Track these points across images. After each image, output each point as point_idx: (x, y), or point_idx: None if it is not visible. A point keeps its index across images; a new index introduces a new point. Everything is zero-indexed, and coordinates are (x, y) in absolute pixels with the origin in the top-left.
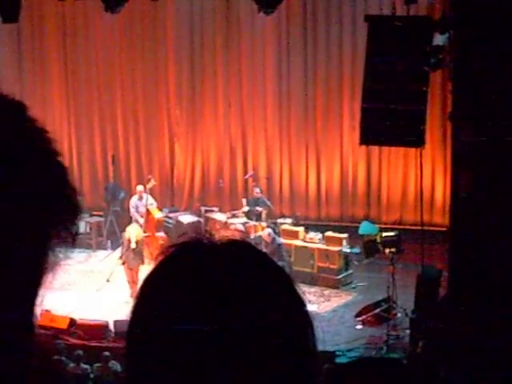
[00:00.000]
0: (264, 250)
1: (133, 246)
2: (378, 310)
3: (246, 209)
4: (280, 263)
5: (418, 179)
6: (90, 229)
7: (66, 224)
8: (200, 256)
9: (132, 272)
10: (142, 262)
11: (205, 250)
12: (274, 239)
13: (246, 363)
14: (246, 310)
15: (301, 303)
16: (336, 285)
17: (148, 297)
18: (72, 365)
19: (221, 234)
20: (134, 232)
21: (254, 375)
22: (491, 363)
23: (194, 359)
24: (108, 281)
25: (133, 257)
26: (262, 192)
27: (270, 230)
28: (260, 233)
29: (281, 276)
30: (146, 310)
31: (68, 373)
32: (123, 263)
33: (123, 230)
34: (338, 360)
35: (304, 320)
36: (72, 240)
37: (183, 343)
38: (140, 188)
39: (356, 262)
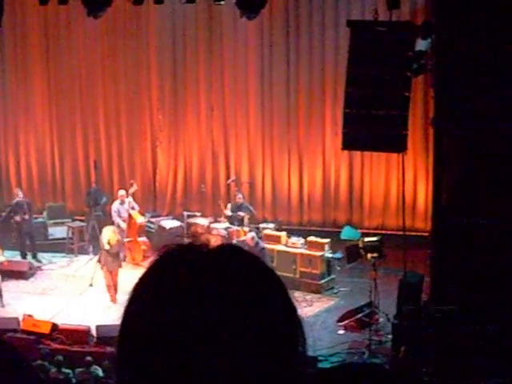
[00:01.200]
0: None
1: (106, 247)
2: (360, 315)
3: (228, 213)
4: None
5: (400, 184)
6: (72, 233)
7: None
8: (192, 259)
9: (111, 275)
10: (120, 265)
11: (197, 252)
12: (257, 243)
13: (236, 366)
14: (239, 313)
15: (292, 307)
16: (318, 290)
17: (140, 300)
18: (53, 370)
19: (204, 239)
20: (107, 234)
21: (243, 378)
22: (475, 366)
23: (185, 360)
24: (91, 285)
25: (111, 260)
26: (244, 197)
27: (253, 234)
28: (243, 237)
29: (273, 279)
30: (138, 312)
31: (50, 378)
32: (102, 267)
33: None
34: (320, 365)
35: (295, 323)
36: None
37: (174, 345)
38: (122, 193)
39: (338, 267)
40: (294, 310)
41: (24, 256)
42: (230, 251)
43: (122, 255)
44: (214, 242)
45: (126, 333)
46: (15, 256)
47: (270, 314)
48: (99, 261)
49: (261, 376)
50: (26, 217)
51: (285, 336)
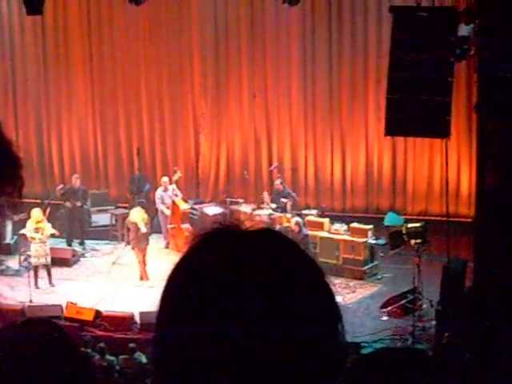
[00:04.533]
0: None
1: (143, 230)
2: (403, 302)
3: (267, 198)
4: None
5: (444, 170)
6: (116, 221)
7: (7, 178)
8: (231, 243)
9: (143, 253)
10: (148, 243)
11: (236, 237)
12: (301, 229)
13: (273, 352)
14: (276, 298)
15: (330, 294)
16: (361, 276)
17: (178, 283)
18: (97, 357)
19: (246, 225)
20: (138, 216)
21: (281, 364)
22: None
23: (222, 345)
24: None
25: (144, 239)
26: (284, 183)
27: (298, 219)
28: (286, 224)
29: (312, 266)
30: (176, 295)
31: (94, 365)
32: (133, 248)
33: (150, 222)
34: (363, 351)
35: (333, 310)
36: (18, 194)
37: (212, 329)
38: (165, 179)
39: (381, 254)
40: (331, 296)
41: (70, 243)
42: (269, 235)
43: (165, 242)
44: (257, 227)
45: (164, 315)
46: (58, 243)
47: (307, 299)
48: (129, 242)
49: (299, 362)
50: (79, 203)
51: (321, 322)
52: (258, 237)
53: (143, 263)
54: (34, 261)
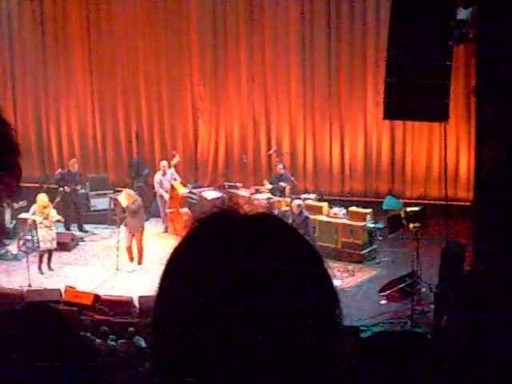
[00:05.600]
0: (290, 222)
1: (124, 204)
2: (402, 285)
3: (268, 186)
4: (306, 237)
5: (442, 154)
6: (115, 205)
7: (5, 166)
8: (230, 226)
9: (132, 237)
10: (143, 228)
11: (234, 220)
12: (301, 212)
13: (271, 335)
14: (275, 282)
15: (328, 278)
16: (360, 260)
17: (177, 267)
18: (98, 341)
19: (245, 209)
20: (123, 197)
21: (279, 347)
22: None
23: (220, 328)
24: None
25: (133, 222)
26: (285, 167)
27: (299, 202)
28: (284, 208)
29: (309, 250)
30: (175, 279)
31: (95, 349)
32: (125, 225)
33: (148, 206)
34: (362, 335)
35: (330, 295)
36: (16, 183)
37: (210, 312)
38: (164, 163)
39: (380, 237)
40: (329, 281)
41: (68, 227)
42: (267, 219)
43: (163, 226)
44: (255, 211)
45: (163, 298)
46: (57, 227)
47: (305, 283)
48: (125, 224)
49: (297, 345)
50: (78, 187)
51: (317, 308)
52: (256, 221)
53: (130, 249)
54: (41, 245)
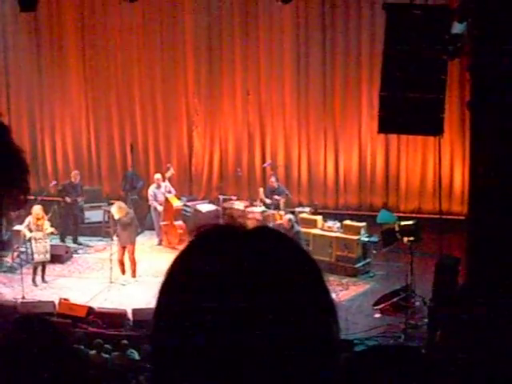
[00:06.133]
0: None
1: (116, 216)
2: (396, 299)
3: (264, 198)
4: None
5: (437, 168)
6: (109, 217)
7: (15, 182)
8: (229, 239)
9: (124, 250)
10: (134, 241)
11: (233, 233)
12: (292, 226)
13: (270, 347)
14: (274, 294)
15: (327, 291)
16: (354, 273)
17: (175, 279)
18: (92, 353)
19: (239, 222)
20: (114, 209)
21: (277, 359)
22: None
23: (220, 340)
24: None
25: (125, 234)
26: (279, 181)
27: (290, 216)
28: (279, 221)
29: (308, 261)
30: (173, 292)
31: (89, 361)
32: (117, 236)
33: (142, 219)
34: (356, 348)
35: (330, 307)
36: (24, 198)
37: (209, 325)
38: (158, 176)
39: (374, 251)
40: (327, 293)
41: (63, 239)
42: (267, 232)
43: (157, 239)
44: (251, 225)
45: (163, 311)
46: (51, 240)
47: (305, 295)
48: (117, 236)
49: (293, 357)
50: (79, 199)
51: (318, 318)
52: (256, 234)
53: (121, 262)
54: (35, 257)
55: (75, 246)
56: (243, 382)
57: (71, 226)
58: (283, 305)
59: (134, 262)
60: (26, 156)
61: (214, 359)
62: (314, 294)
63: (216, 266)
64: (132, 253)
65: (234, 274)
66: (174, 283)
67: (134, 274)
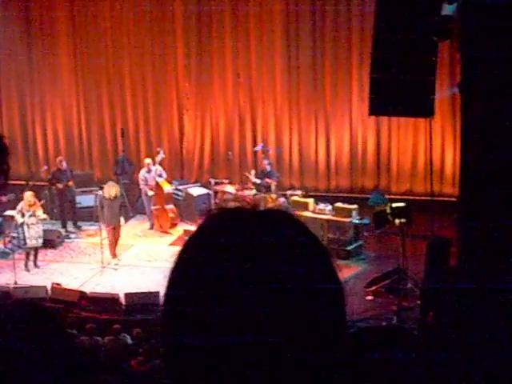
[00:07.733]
0: None
1: (112, 194)
2: (388, 281)
3: (256, 180)
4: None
5: (428, 149)
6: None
7: None
8: (241, 220)
9: (113, 231)
10: (119, 222)
11: (245, 215)
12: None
13: (283, 327)
14: (285, 274)
15: (335, 272)
16: (346, 256)
17: (188, 261)
18: (84, 337)
19: (232, 205)
20: (109, 188)
21: (287, 338)
22: (503, 332)
23: (231, 319)
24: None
25: (115, 215)
26: (271, 164)
27: (283, 199)
28: (270, 205)
29: (318, 244)
30: (186, 273)
31: (82, 346)
32: (106, 225)
33: (134, 203)
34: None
35: (340, 288)
36: (4, 179)
37: (221, 304)
38: (148, 161)
39: (366, 233)
40: (337, 275)
41: (64, 224)
42: (279, 215)
43: (149, 223)
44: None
45: (173, 296)
46: (43, 225)
47: (317, 278)
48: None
49: (305, 338)
50: (70, 183)
51: (329, 298)
52: (267, 216)
53: (114, 243)
54: (28, 242)
55: (76, 230)
56: (253, 368)
57: (69, 210)
58: (298, 287)
59: (117, 242)
60: (6, 140)
61: (229, 340)
62: (326, 274)
63: (227, 245)
64: (119, 234)
65: (247, 256)
66: (185, 265)
67: (114, 254)
